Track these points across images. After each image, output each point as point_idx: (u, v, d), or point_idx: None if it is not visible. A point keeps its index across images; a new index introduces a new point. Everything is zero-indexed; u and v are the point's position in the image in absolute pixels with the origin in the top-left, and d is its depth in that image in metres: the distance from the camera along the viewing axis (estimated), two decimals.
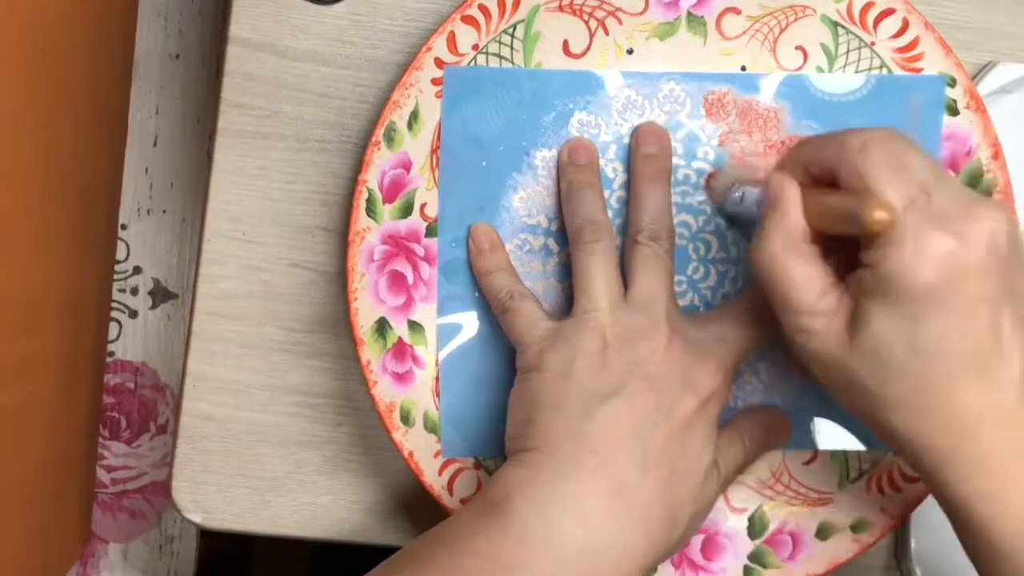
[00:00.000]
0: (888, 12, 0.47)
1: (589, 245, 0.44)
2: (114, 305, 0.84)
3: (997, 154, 0.47)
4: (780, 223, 0.39)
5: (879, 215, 0.36)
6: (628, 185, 0.47)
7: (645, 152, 0.46)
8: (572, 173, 0.46)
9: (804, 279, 0.39)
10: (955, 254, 0.36)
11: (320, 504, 0.50)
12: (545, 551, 0.38)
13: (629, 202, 0.46)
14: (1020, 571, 0.37)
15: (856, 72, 0.47)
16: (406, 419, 0.46)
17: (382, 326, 0.46)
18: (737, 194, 0.45)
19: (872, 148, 0.38)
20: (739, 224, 0.47)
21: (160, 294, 0.85)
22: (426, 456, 0.46)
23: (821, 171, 0.40)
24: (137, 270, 0.85)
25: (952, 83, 0.47)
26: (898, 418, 0.38)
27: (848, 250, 0.39)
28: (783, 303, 0.39)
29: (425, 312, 0.47)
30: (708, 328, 0.44)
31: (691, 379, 0.41)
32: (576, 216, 0.45)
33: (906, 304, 0.36)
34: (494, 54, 0.46)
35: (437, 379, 0.47)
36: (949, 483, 0.38)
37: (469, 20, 0.46)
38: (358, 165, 0.46)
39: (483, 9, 0.46)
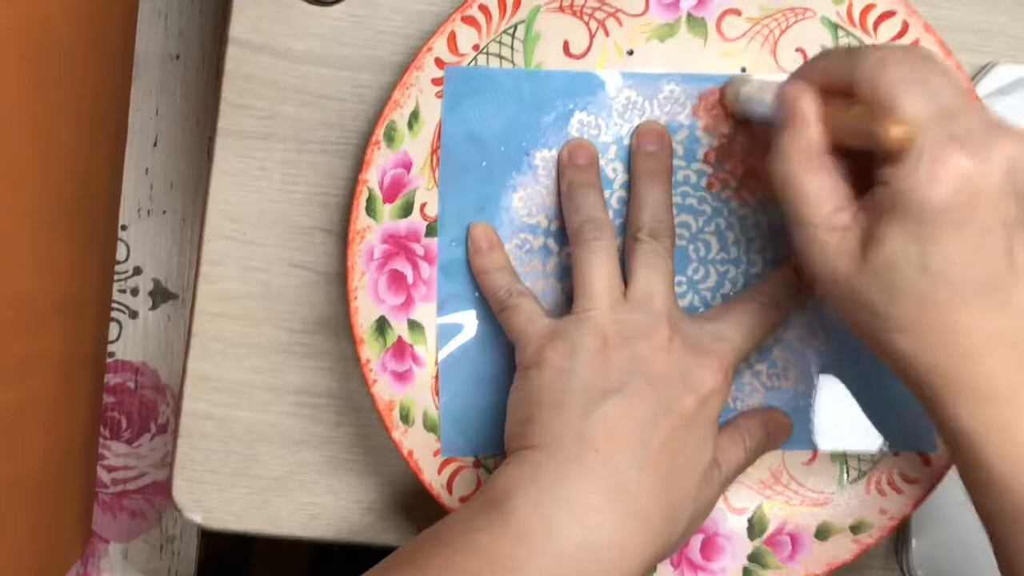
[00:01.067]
0: (888, 14, 0.47)
1: (590, 243, 0.44)
2: (114, 305, 0.84)
3: None
4: (797, 137, 0.39)
5: (897, 131, 0.35)
6: (628, 185, 0.47)
7: (646, 150, 0.46)
8: (572, 173, 0.46)
9: (820, 194, 0.38)
10: (973, 176, 0.35)
11: (320, 504, 0.50)
12: (545, 549, 0.38)
13: (630, 200, 0.46)
14: (1018, 501, 0.36)
15: None
16: (405, 418, 0.46)
17: (382, 325, 0.46)
18: (747, 96, 0.44)
19: (896, 62, 0.37)
20: (757, 123, 0.46)
21: (160, 294, 0.85)
22: (425, 455, 0.46)
23: (837, 82, 0.38)
24: (137, 270, 0.85)
25: None
26: (902, 339, 0.37)
27: (866, 164, 0.38)
28: (798, 217, 0.39)
29: (425, 311, 0.47)
30: (708, 326, 0.44)
31: (691, 377, 0.41)
32: (577, 214, 0.45)
33: (919, 223, 0.36)
34: (494, 54, 0.46)
35: (437, 378, 0.47)
36: (949, 408, 0.37)
37: (469, 20, 0.46)
38: (358, 166, 0.46)
39: (483, 9, 0.46)
